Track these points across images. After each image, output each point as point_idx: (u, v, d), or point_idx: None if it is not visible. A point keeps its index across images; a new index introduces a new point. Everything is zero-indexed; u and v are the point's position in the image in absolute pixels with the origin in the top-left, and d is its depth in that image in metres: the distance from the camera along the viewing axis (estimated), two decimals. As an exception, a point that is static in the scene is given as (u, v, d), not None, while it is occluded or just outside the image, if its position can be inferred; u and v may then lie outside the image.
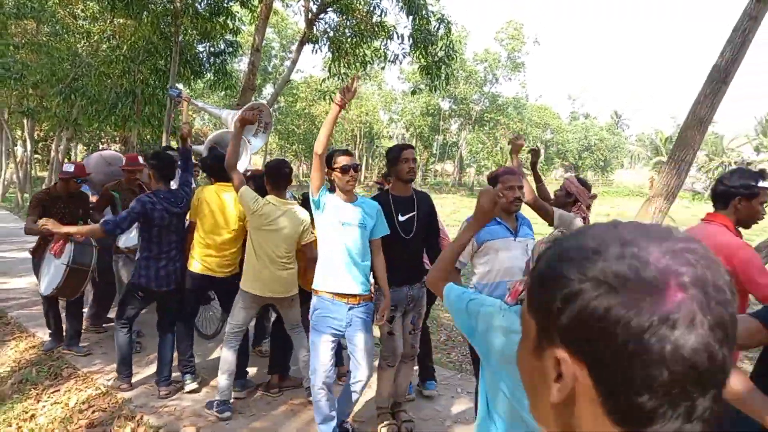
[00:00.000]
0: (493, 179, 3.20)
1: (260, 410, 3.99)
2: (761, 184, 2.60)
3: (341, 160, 3.28)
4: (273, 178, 3.86)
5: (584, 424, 0.56)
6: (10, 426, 3.93)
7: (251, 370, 4.52)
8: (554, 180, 49.79)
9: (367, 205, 3.39)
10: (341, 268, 3.25)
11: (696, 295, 0.51)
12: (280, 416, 3.91)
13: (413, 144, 47.98)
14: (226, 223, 4.14)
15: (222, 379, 3.82)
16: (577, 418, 0.57)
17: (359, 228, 3.27)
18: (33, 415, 4.06)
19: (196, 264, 4.15)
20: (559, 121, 53.87)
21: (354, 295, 3.27)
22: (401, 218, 3.52)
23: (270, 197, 3.80)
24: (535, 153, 4.28)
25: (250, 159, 4.96)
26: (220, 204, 4.15)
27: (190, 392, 4.19)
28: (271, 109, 5.12)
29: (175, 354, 4.33)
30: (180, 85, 11.06)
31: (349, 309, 3.26)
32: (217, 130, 4.97)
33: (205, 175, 4.67)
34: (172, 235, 4.16)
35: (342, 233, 3.25)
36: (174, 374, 4.31)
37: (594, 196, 4.04)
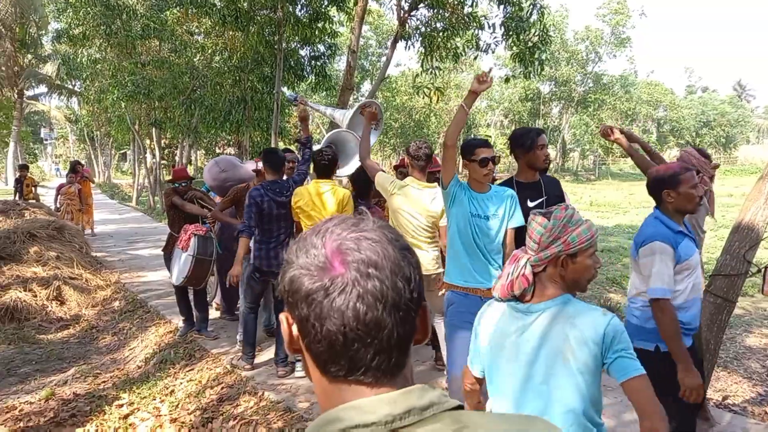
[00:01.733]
0: (668, 181, 2.66)
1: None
2: None
3: (481, 152, 3.11)
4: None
5: (309, 371, 0.73)
6: (155, 399, 4.56)
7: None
8: (669, 160, 46.37)
9: (501, 194, 3.24)
10: (473, 261, 3.16)
11: (352, 272, 0.66)
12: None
13: (512, 130, 46.82)
14: (326, 215, 4.42)
15: None
16: (308, 369, 0.74)
17: (492, 220, 3.16)
18: (172, 391, 4.67)
19: None
20: (673, 97, 50.01)
21: (488, 289, 3.07)
22: (530, 204, 3.36)
23: (409, 179, 3.89)
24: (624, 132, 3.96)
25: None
26: (318, 201, 4.35)
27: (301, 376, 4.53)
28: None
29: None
30: (285, 89, 11.76)
31: (483, 301, 3.24)
32: (332, 130, 5.25)
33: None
34: (281, 222, 4.52)
35: (474, 226, 3.15)
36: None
37: (716, 166, 3.79)
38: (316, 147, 5.03)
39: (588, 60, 40.38)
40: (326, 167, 4.38)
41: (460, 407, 0.70)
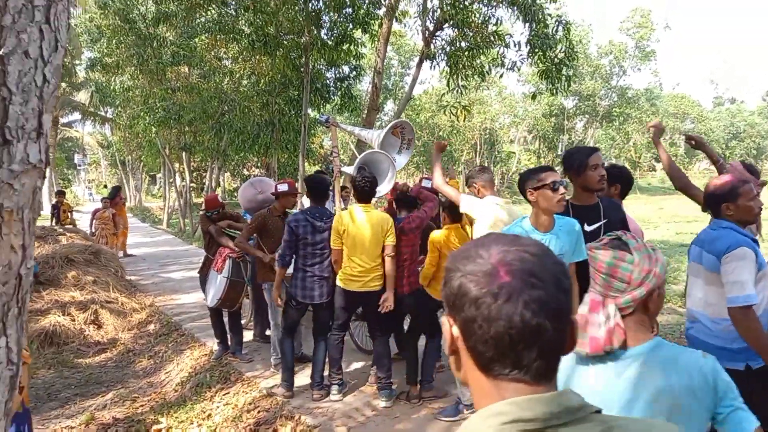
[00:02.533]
0: (727, 194, 2.63)
1: (403, 413, 4.27)
2: None
3: (547, 176, 2.84)
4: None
5: (466, 370, 0.81)
6: (192, 423, 4.59)
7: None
8: (698, 173, 45.49)
9: (566, 229, 3.00)
10: None
11: (517, 280, 0.74)
12: (422, 419, 4.16)
13: (537, 146, 46.62)
14: (367, 241, 4.31)
15: (462, 390, 4.01)
16: (462, 366, 0.81)
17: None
18: (209, 414, 4.69)
19: (344, 280, 4.38)
20: (700, 109, 49.22)
21: None
22: (587, 228, 3.17)
23: (491, 197, 3.82)
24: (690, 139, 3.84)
25: (394, 175, 5.09)
26: (358, 225, 4.31)
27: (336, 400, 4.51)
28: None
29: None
30: (310, 110, 11.91)
31: None
32: (365, 152, 5.24)
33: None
34: (318, 250, 4.47)
35: None
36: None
37: (764, 183, 3.73)
38: (349, 169, 5.05)
39: (612, 74, 40.07)
40: (368, 192, 4.37)
41: (599, 411, 0.78)
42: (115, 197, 13.31)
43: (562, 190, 2.86)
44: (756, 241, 2.62)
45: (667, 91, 47.16)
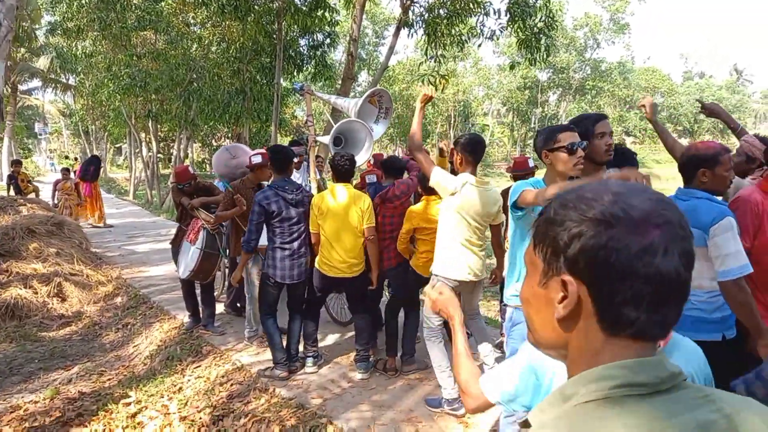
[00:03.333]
0: (709, 160, 2.56)
1: (379, 385, 4.21)
2: None
3: (565, 137, 2.61)
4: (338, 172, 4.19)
5: (578, 335, 0.73)
6: (162, 397, 4.46)
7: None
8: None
9: None
10: None
11: (668, 231, 0.68)
12: (398, 390, 4.11)
13: (510, 119, 46.72)
14: (347, 224, 4.17)
15: (443, 379, 3.68)
16: (575, 330, 0.73)
17: None
18: (180, 388, 4.56)
19: (324, 266, 4.24)
20: (670, 83, 49.92)
21: None
22: None
23: (466, 176, 3.49)
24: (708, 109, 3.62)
25: (371, 145, 4.94)
26: (337, 206, 4.17)
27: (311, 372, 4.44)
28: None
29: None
30: (282, 80, 11.59)
31: None
32: (341, 120, 5.04)
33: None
34: (294, 226, 4.27)
35: None
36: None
37: None
38: (325, 138, 4.88)
39: (586, 47, 40.20)
40: (347, 172, 4.21)
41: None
42: (88, 169, 12.97)
43: (580, 152, 2.62)
44: None
45: (639, 65, 47.60)
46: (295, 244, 4.29)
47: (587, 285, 0.70)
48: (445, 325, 3.73)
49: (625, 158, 3.28)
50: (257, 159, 4.88)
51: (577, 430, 0.67)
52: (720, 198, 2.63)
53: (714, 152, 2.54)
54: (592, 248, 0.69)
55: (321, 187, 5.03)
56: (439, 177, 3.48)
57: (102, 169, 13.57)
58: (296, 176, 5.38)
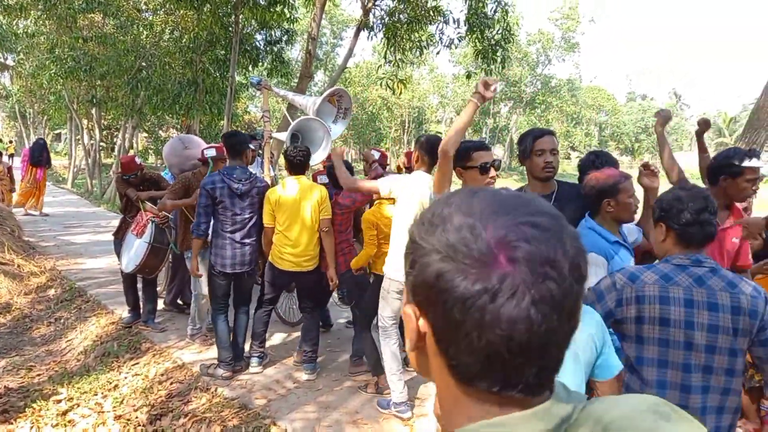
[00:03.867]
0: (609, 190, 2.50)
1: (326, 386, 4.17)
2: (745, 163, 2.80)
3: (480, 157, 2.64)
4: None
5: (434, 372, 0.63)
6: (96, 395, 4.26)
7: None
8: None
9: None
10: None
11: (523, 270, 0.53)
12: (345, 392, 4.09)
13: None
14: (300, 217, 4.11)
15: (393, 382, 3.63)
16: (430, 367, 0.63)
17: None
18: (116, 385, 4.38)
19: (277, 259, 4.16)
20: (615, 103, 52.11)
21: None
22: None
23: (422, 173, 3.39)
24: (705, 123, 3.66)
25: (329, 144, 4.91)
26: (289, 199, 4.11)
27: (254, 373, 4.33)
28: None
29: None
30: (240, 75, 11.34)
31: None
32: (299, 117, 4.98)
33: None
34: (237, 216, 4.16)
35: None
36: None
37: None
38: (281, 135, 4.81)
39: (538, 62, 41.43)
40: (300, 164, 4.16)
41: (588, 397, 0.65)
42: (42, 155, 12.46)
43: (492, 172, 2.63)
44: (621, 243, 2.52)
45: (585, 84, 49.43)
46: (238, 235, 4.19)
47: (430, 323, 0.59)
48: (400, 326, 3.72)
49: (607, 161, 3.24)
50: (211, 152, 4.76)
51: None
52: (632, 224, 2.65)
53: (614, 181, 2.49)
54: (423, 282, 0.58)
55: (274, 183, 4.96)
56: (387, 185, 3.40)
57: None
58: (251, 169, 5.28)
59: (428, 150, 3.38)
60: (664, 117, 3.38)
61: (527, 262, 0.54)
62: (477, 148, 2.71)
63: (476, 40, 9.06)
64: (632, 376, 1.98)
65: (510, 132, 46.51)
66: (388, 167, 5.01)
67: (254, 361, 4.37)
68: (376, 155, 4.80)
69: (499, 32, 9.06)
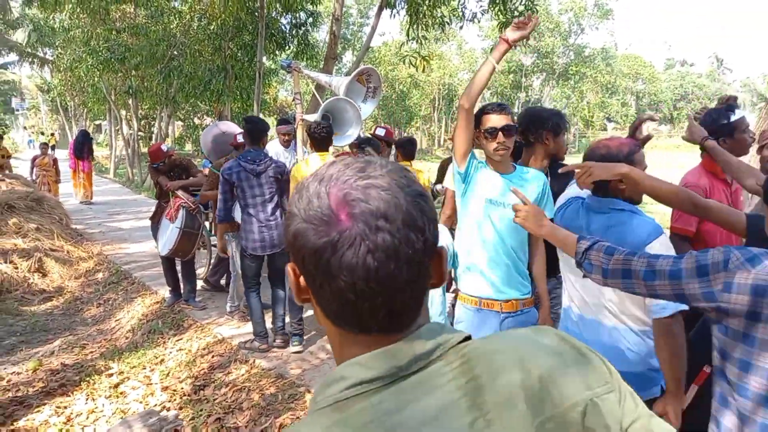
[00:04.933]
0: (625, 161, 1.99)
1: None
2: (732, 118, 2.68)
3: (487, 120, 2.46)
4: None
5: (320, 319, 0.72)
6: (144, 368, 4.56)
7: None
8: (644, 133, 46.82)
9: (532, 177, 2.59)
10: (490, 263, 2.50)
11: (360, 224, 0.62)
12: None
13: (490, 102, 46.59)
14: None
15: None
16: (317, 316, 0.72)
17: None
18: (162, 360, 4.67)
19: None
20: (652, 70, 50.35)
21: (508, 301, 2.51)
22: None
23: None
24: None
25: (360, 124, 4.96)
26: None
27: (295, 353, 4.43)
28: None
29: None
30: (268, 60, 11.50)
31: (504, 319, 2.52)
32: (329, 98, 5.06)
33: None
34: (258, 197, 4.26)
35: (491, 216, 2.49)
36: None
37: None
38: (312, 117, 4.90)
39: (570, 32, 40.32)
40: (324, 139, 4.24)
41: (468, 338, 0.69)
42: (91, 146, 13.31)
43: (500, 137, 2.42)
44: None
45: (621, 52, 47.92)
46: (262, 215, 4.29)
47: (303, 275, 0.68)
48: None
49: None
50: (242, 138, 4.93)
51: None
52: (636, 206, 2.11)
53: (629, 151, 2.03)
54: (289, 242, 0.67)
55: None
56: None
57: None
58: (285, 154, 5.44)
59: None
60: (695, 131, 2.63)
61: (363, 216, 0.62)
62: (487, 111, 2.47)
63: (499, 13, 8.94)
64: (723, 382, 1.48)
65: (543, 105, 45.59)
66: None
67: (295, 339, 4.45)
68: (381, 132, 4.83)
69: (522, 3, 8.92)
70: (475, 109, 2.49)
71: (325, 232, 0.63)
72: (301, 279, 0.69)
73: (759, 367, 1.40)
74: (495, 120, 2.45)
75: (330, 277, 0.63)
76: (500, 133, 2.44)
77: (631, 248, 1.81)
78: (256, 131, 4.37)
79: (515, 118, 2.60)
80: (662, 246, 1.90)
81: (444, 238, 2.72)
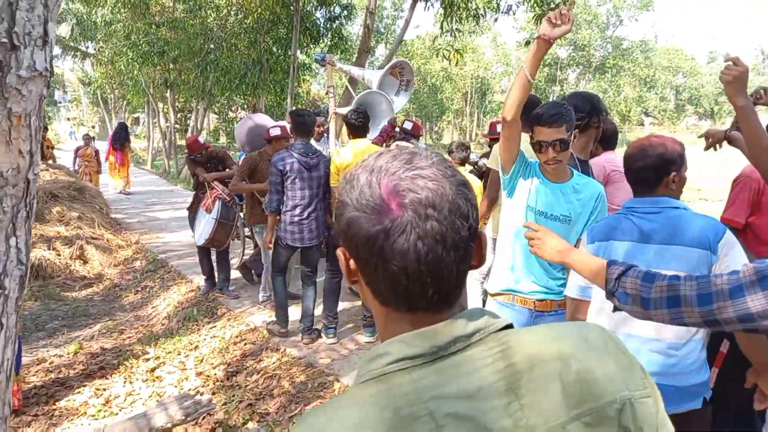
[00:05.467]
0: (679, 161, 1.94)
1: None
2: None
3: (537, 132, 2.32)
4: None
5: (368, 300, 0.75)
6: (179, 354, 4.69)
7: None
8: (686, 129, 45.58)
9: (585, 187, 2.43)
10: (526, 265, 2.47)
11: (410, 213, 0.66)
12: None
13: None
14: None
15: None
16: (365, 296, 0.76)
17: (561, 222, 2.40)
18: (197, 346, 4.80)
19: None
20: (694, 63, 48.80)
21: (542, 300, 2.48)
22: None
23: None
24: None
25: (394, 115, 4.97)
26: (356, 159, 3.96)
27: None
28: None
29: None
30: (302, 53, 11.56)
31: (536, 318, 2.50)
32: (362, 92, 5.09)
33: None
34: (306, 190, 4.27)
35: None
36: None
37: None
38: (345, 110, 4.93)
39: (609, 23, 39.40)
40: (361, 126, 4.24)
41: (509, 326, 0.73)
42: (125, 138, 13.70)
43: (550, 152, 2.31)
44: None
45: (662, 44, 46.62)
46: (305, 210, 4.30)
47: (354, 259, 0.72)
48: None
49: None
50: (276, 131, 4.95)
51: (334, 416, 0.67)
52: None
53: (682, 150, 1.99)
54: (342, 229, 0.71)
55: None
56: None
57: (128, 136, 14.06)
58: (317, 147, 5.48)
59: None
60: (737, 77, 2.34)
61: (413, 206, 0.67)
62: (541, 121, 2.30)
63: (535, 5, 8.81)
64: None
65: (578, 99, 44.68)
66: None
67: (330, 332, 4.49)
68: (409, 126, 4.80)
69: (559, -5, 8.78)
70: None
71: (377, 220, 0.67)
72: (351, 262, 0.73)
73: None
74: (546, 133, 2.29)
75: (383, 262, 0.68)
76: (551, 148, 2.30)
77: (700, 246, 1.79)
78: (305, 124, 4.37)
79: (569, 115, 2.33)
80: (730, 243, 1.82)
81: None
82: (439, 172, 0.70)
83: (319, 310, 4.70)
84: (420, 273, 0.67)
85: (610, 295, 1.47)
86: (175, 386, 4.11)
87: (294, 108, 10.52)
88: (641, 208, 1.96)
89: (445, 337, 0.69)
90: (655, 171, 1.94)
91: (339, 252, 0.75)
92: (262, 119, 5.95)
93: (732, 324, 1.24)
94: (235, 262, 6.25)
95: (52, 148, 13.61)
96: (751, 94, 2.66)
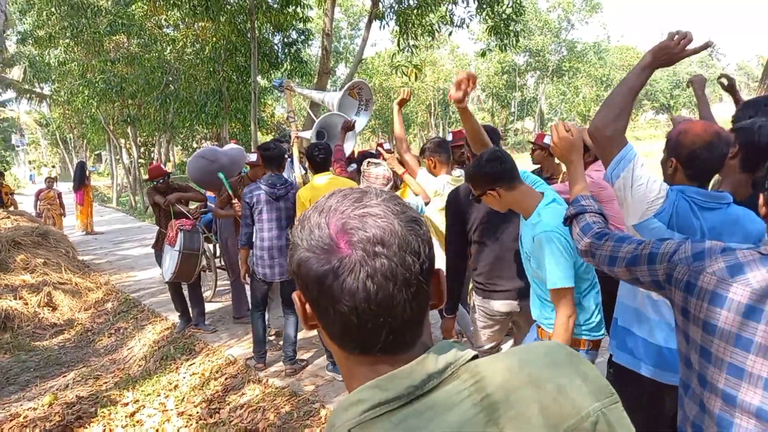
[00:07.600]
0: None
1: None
2: None
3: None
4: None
5: (327, 343, 0.74)
6: (159, 395, 4.58)
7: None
8: (645, 124, 46.85)
9: (538, 226, 2.25)
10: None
11: (358, 251, 0.65)
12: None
13: (490, 104, 46.95)
14: None
15: None
16: (324, 340, 0.75)
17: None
18: (176, 385, 4.69)
19: None
20: (646, 61, 50.28)
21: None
22: None
23: (445, 176, 3.68)
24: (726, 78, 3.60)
25: (355, 137, 5.00)
26: (318, 195, 4.02)
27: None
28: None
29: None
30: (259, 78, 11.54)
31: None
32: (323, 115, 5.11)
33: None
34: (274, 221, 4.24)
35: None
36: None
37: None
38: (307, 134, 4.93)
39: (561, 28, 40.48)
40: (323, 161, 4.13)
41: (475, 357, 0.72)
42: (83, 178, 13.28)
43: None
44: None
45: (614, 44, 48.03)
46: (274, 242, 4.25)
47: (309, 301, 0.71)
48: None
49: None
50: (252, 157, 5.04)
51: None
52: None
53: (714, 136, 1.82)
54: (293, 271, 0.70)
55: (305, 183, 5.12)
56: (422, 180, 3.77)
57: (87, 173, 13.65)
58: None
59: (439, 151, 3.79)
60: (699, 83, 3.45)
61: (361, 243, 0.66)
62: (479, 176, 2.33)
63: (487, 17, 9.01)
64: None
65: (538, 103, 45.68)
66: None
67: (330, 365, 4.40)
68: (450, 137, 4.54)
69: (510, 6, 8.99)
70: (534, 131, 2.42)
71: (326, 259, 0.66)
72: (307, 306, 0.72)
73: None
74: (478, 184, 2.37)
75: (333, 302, 0.66)
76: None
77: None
78: (272, 158, 4.35)
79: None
80: None
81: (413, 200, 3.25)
82: (389, 209, 0.69)
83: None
84: (371, 312, 0.65)
85: (568, 220, 1.79)
86: (157, 429, 4.01)
87: (257, 132, 10.51)
88: (698, 202, 1.77)
89: (418, 376, 0.67)
90: (689, 157, 1.79)
91: (295, 296, 0.74)
92: (214, 152, 5.84)
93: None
94: (208, 294, 6.15)
95: (12, 193, 13.22)
96: (719, 80, 3.60)
